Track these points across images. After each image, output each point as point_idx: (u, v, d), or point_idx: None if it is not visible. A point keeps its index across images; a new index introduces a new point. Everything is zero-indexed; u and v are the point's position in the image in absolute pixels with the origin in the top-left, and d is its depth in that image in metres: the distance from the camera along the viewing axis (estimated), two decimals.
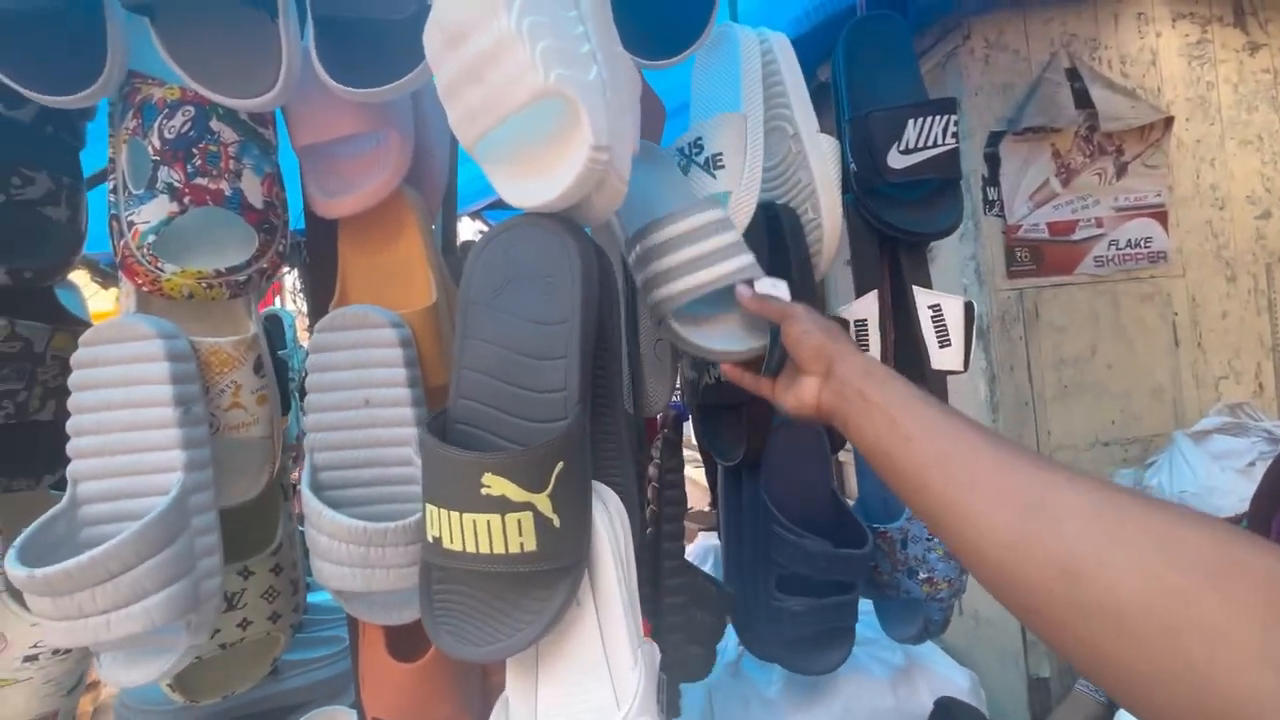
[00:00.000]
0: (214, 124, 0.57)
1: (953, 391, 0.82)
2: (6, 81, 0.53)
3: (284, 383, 1.01)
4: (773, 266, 0.70)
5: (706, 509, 2.61)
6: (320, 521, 0.54)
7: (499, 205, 1.77)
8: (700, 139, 0.68)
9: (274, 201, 0.60)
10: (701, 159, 0.68)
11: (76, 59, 0.54)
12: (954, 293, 0.81)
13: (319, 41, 0.55)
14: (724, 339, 0.58)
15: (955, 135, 0.75)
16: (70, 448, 0.54)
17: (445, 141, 0.74)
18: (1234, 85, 1.76)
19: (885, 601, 0.88)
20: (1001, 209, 1.67)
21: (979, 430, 0.38)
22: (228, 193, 0.57)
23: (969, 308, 0.77)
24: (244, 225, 0.58)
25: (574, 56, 0.44)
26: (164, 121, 0.56)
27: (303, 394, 0.61)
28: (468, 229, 2.43)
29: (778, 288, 0.55)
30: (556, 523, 0.43)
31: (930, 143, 0.74)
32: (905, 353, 0.80)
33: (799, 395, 0.51)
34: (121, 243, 0.57)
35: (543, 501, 0.42)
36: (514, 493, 0.42)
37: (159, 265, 0.55)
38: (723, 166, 0.67)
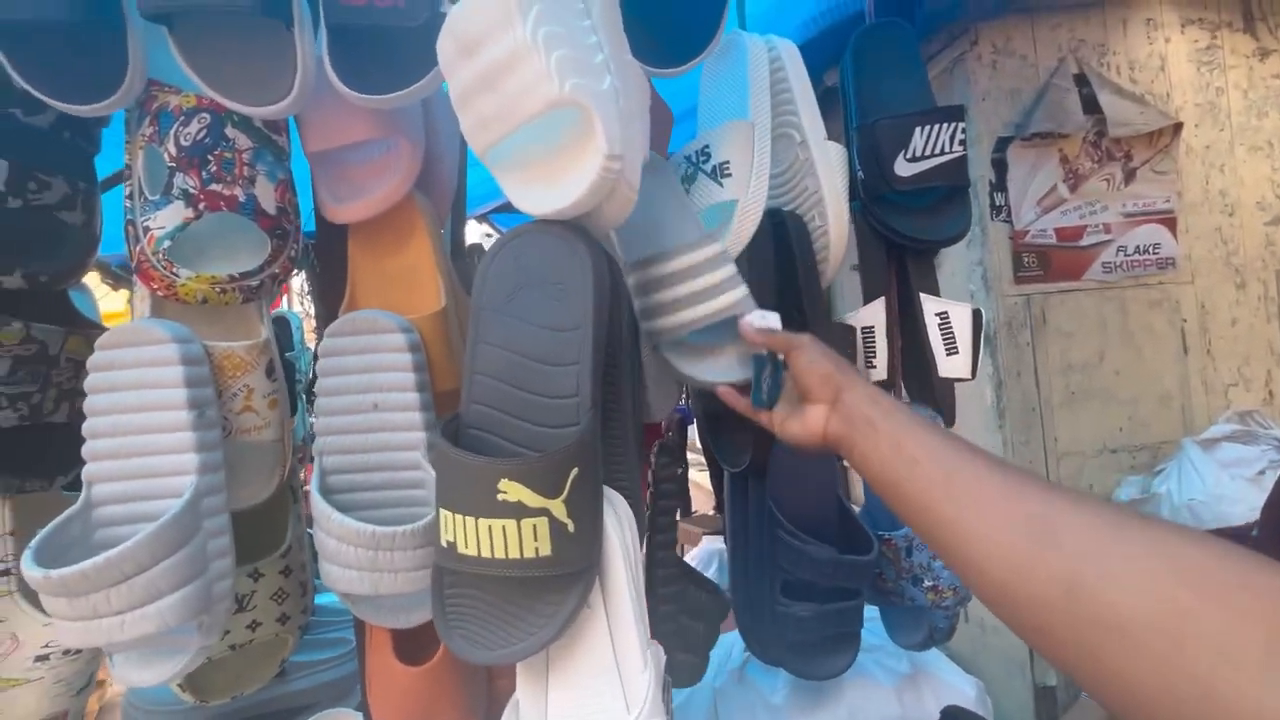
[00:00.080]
0: (229, 131, 0.58)
1: (959, 398, 0.82)
2: (31, 90, 0.54)
3: (291, 384, 1.02)
4: (779, 274, 0.70)
5: (711, 513, 2.61)
6: (329, 525, 0.54)
7: (506, 208, 1.77)
8: (707, 147, 0.68)
9: (287, 207, 0.61)
10: (709, 167, 0.68)
11: (98, 69, 0.55)
12: (961, 298, 0.81)
13: (331, 48, 0.56)
14: (715, 369, 0.60)
15: (963, 143, 0.75)
16: (85, 450, 0.54)
17: (455, 147, 0.75)
18: (1244, 91, 1.75)
19: (890, 608, 0.87)
20: (1009, 214, 1.66)
21: (984, 455, 0.39)
22: (242, 199, 0.58)
23: (977, 315, 0.77)
24: (257, 231, 0.59)
25: (588, 66, 0.45)
26: (180, 128, 0.57)
27: (309, 395, 0.62)
28: (474, 231, 2.44)
29: (767, 319, 0.57)
30: (571, 528, 0.43)
31: (938, 150, 0.74)
32: (912, 360, 0.80)
33: (805, 424, 0.52)
34: (137, 248, 0.57)
35: (558, 507, 0.42)
36: (530, 498, 0.42)
37: (174, 270, 0.56)
38: (730, 174, 0.67)
